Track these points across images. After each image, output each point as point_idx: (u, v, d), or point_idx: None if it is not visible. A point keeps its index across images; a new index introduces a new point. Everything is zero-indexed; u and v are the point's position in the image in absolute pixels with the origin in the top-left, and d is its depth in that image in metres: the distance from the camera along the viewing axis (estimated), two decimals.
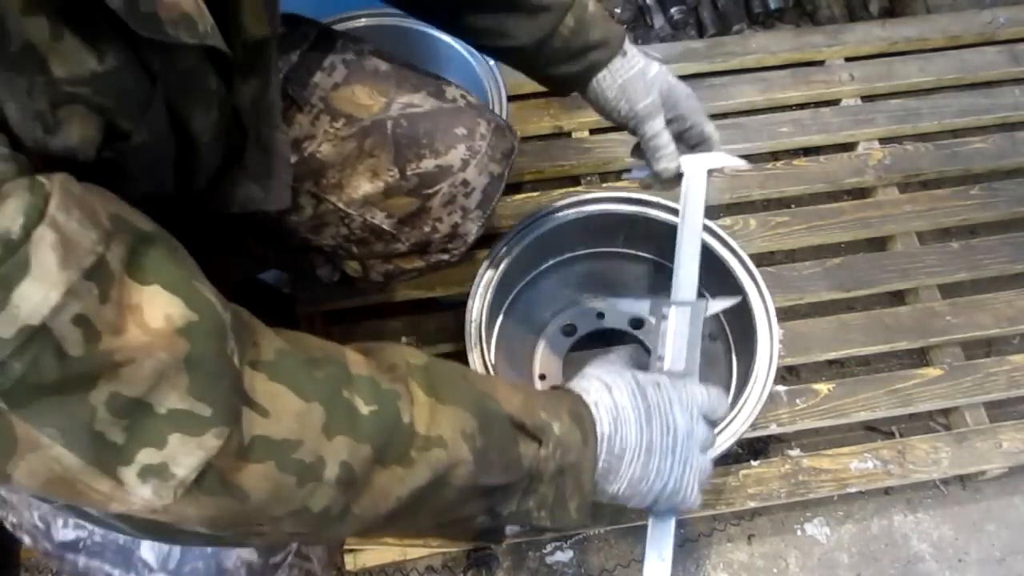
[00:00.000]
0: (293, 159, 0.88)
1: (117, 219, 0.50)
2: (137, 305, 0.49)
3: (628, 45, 0.94)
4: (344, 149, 0.96)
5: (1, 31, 0.44)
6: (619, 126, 0.99)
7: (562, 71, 0.94)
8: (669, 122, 0.96)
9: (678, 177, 0.99)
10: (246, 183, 0.77)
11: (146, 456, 0.49)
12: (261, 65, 0.69)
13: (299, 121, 0.96)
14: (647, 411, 0.73)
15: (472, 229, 1.03)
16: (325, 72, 0.97)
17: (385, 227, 1.00)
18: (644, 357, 0.86)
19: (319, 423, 0.56)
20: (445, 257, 1.05)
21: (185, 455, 0.50)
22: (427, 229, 1.01)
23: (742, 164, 1.03)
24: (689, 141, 0.99)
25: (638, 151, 1.00)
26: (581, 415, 0.72)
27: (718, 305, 0.95)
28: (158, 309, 0.50)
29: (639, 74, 0.94)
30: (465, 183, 0.98)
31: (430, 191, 0.97)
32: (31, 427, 0.46)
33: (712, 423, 0.79)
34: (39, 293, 0.44)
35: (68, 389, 0.46)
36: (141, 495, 0.50)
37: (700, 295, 0.94)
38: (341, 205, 0.99)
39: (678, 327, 0.87)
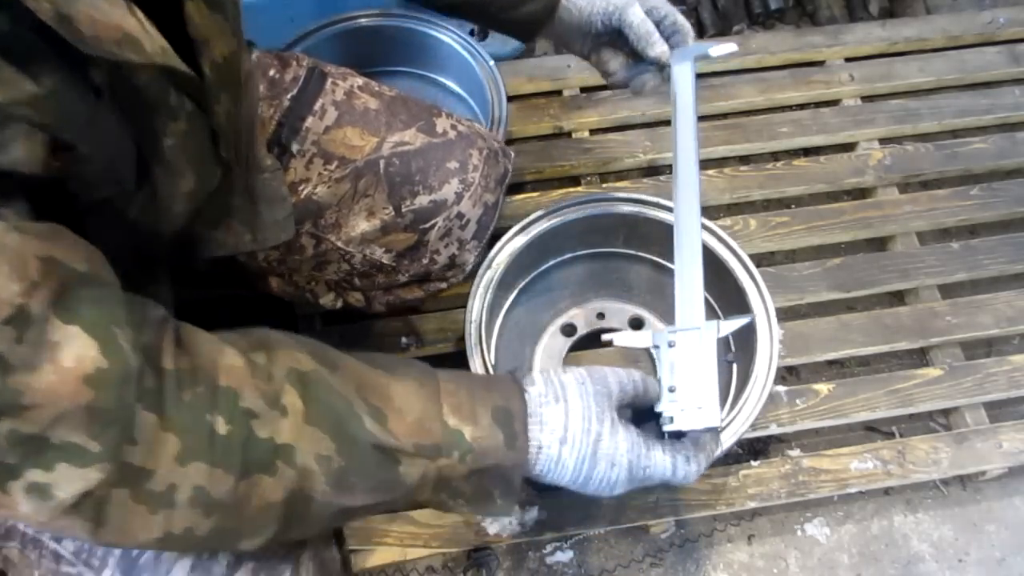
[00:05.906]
0: (292, 199, 0.92)
1: (49, 261, 0.53)
2: (56, 343, 0.53)
3: None
4: (339, 190, 0.99)
5: None
6: (584, 56, 1.05)
7: (525, 11, 0.98)
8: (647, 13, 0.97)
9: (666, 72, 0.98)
10: (236, 227, 0.83)
11: (34, 475, 0.54)
12: (231, 79, 0.69)
13: (294, 166, 0.99)
14: (592, 457, 0.70)
15: (469, 259, 1.07)
16: (316, 116, 1.00)
17: (385, 261, 1.04)
18: (653, 385, 0.76)
19: (172, 453, 0.59)
20: (443, 285, 1.09)
21: (68, 482, 0.55)
22: (426, 261, 1.04)
23: (727, 49, 0.98)
24: (664, 32, 0.99)
25: None
26: (511, 414, 0.69)
27: (729, 326, 0.81)
28: (73, 350, 0.53)
29: None
30: (460, 215, 1.02)
31: (426, 226, 1.01)
32: None
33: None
34: None
35: None
36: (23, 508, 0.55)
37: (708, 309, 0.87)
38: (340, 244, 1.02)
39: (689, 354, 0.78)
